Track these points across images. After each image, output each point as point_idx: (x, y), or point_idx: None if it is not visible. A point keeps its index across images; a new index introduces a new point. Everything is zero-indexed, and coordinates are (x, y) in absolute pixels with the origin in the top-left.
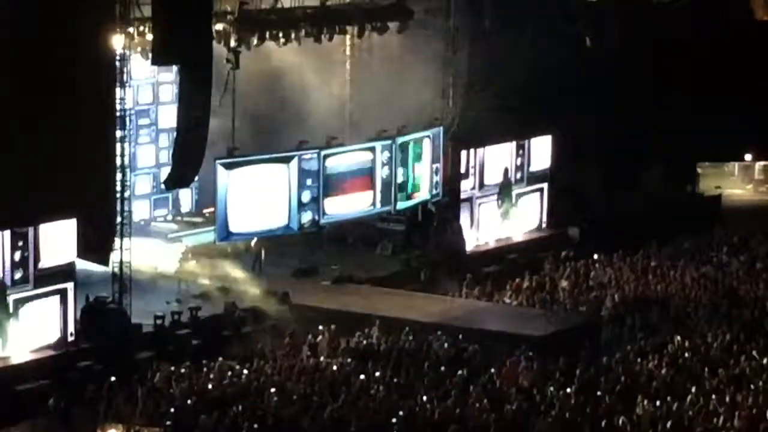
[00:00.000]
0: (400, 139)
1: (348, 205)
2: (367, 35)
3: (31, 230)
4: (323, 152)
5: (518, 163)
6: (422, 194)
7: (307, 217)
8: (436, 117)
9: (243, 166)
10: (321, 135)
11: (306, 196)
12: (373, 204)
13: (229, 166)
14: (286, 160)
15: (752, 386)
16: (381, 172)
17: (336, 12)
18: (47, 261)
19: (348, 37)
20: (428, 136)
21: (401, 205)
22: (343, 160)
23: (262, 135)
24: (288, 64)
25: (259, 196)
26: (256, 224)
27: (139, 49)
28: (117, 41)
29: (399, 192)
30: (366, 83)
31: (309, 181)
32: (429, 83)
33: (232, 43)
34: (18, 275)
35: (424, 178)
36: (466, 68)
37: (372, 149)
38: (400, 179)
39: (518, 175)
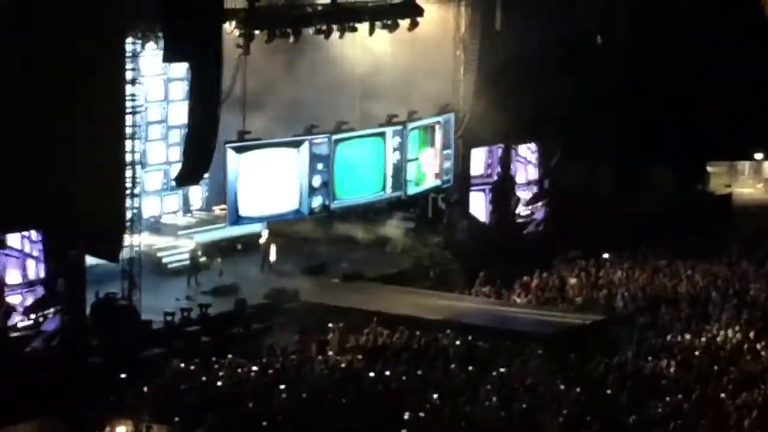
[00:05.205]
0: (411, 125)
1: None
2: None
3: None
4: (334, 137)
5: (528, 164)
6: (430, 182)
7: (317, 201)
8: (448, 103)
9: (253, 150)
10: (331, 120)
11: (317, 181)
12: (384, 189)
13: (239, 150)
14: (297, 145)
15: (763, 386)
16: (392, 158)
17: (346, 9)
18: None
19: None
20: (439, 122)
21: (411, 190)
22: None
23: (273, 119)
24: (298, 48)
25: (269, 181)
26: (266, 208)
27: (153, 45)
28: (128, 38)
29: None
30: (377, 68)
31: (320, 166)
32: (440, 72)
33: (242, 42)
34: None
35: (430, 167)
36: (476, 66)
37: (382, 134)
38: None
39: (527, 177)
